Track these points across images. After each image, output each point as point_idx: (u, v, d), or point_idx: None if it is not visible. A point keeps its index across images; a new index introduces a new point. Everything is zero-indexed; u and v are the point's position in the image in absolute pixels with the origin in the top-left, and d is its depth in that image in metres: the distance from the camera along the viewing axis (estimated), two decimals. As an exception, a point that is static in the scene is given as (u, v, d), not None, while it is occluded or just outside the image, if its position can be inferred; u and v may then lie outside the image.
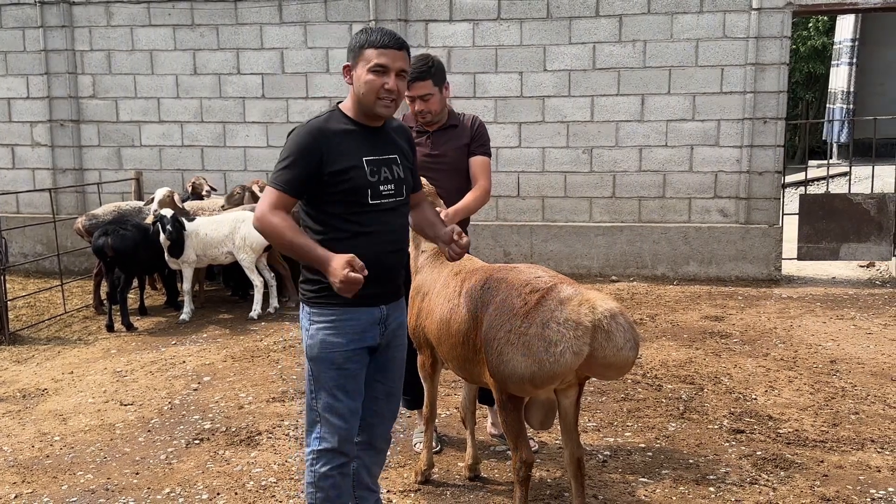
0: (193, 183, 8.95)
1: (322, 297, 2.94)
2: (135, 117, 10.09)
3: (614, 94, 9.13)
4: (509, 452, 3.70)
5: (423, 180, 3.38)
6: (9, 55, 10.21)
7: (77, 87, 10.13)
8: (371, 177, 2.89)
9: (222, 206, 8.43)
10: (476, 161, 4.36)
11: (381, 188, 2.91)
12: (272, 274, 8.05)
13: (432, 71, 4.15)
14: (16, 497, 4.13)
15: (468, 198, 4.23)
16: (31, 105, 10.25)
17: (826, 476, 4.13)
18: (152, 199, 8.02)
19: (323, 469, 2.99)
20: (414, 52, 10.37)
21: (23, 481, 4.29)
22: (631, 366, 3.02)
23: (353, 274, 2.65)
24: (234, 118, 9.91)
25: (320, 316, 2.95)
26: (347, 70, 2.94)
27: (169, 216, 7.38)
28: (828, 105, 16.63)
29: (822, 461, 4.31)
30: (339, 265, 2.67)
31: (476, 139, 4.38)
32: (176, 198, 8.06)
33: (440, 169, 4.27)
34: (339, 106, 3.00)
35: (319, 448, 2.99)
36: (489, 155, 4.43)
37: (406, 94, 4.10)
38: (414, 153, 3.19)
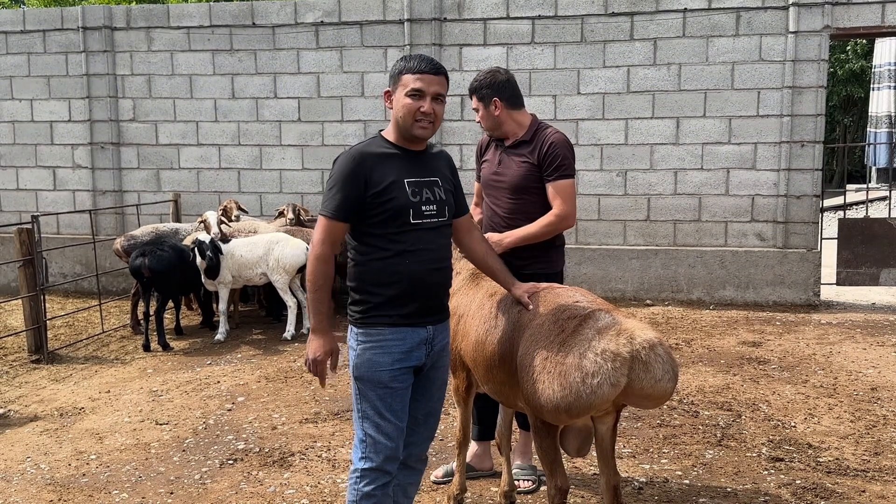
0: (225, 207, 9.01)
1: (369, 317, 3.01)
2: (174, 140, 10.26)
3: (649, 116, 9.10)
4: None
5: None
6: (52, 79, 10.45)
7: (118, 110, 10.33)
8: (413, 197, 2.97)
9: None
10: (549, 188, 3.95)
11: (424, 208, 2.99)
12: (306, 295, 8.09)
13: (474, 85, 4.06)
14: (52, 515, 4.18)
15: (534, 224, 3.94)
16: (72, 128, 10.47)
17: (869, 507, 4.03)
18: (202, 222, 7.97)
19: (367, 488, 3.01)
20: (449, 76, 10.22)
21: (59, 499, 4.33)
22: (669, 396, 2.96)
23: (323, 360, 2.99)
24: (271, 141, 10.03)
25: (367, 336, 3.01)
26: (388, 95, 3.07)
27: (207, 241, 7.46)
28: (868, 129, 16.40)
29: (863, 491, 4.20)
30: (317, 346, 2.99)
31: (548, 163, 3.94)
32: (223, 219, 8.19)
33: (499, 187, 4.10)
34: (381, 133, 3.11)
35: (364, 467, 3.02)
36: (568, 177, 3.94)
37: (473, 107, 4.15)
38: (456, 178, 3.25)
